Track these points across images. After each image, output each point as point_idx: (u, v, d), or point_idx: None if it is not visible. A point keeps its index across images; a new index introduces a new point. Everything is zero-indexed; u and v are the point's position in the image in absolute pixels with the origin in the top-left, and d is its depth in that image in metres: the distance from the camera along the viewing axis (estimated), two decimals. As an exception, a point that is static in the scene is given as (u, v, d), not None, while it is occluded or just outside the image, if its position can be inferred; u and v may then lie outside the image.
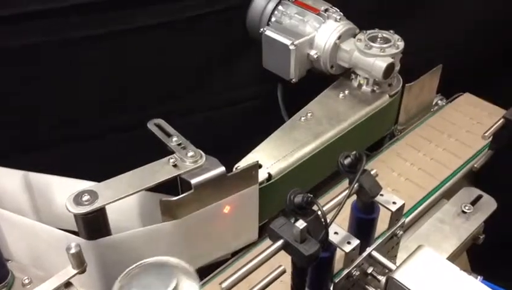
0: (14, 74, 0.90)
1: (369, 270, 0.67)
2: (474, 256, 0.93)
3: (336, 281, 0.63)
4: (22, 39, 0.88)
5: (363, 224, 0.67)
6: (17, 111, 0.94)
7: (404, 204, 0.67)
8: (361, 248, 0.64)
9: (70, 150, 0.99)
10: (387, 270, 0.66)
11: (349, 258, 0.63)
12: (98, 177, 0.69)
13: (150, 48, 0.99)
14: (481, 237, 0.85)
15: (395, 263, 0.68)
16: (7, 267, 0.73)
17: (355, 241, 0.62)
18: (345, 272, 0.63)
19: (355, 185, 0.62)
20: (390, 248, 0.70)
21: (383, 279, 0.65)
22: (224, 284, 0.53)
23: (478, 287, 0.56)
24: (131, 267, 0.55)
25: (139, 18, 0.95)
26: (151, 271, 0.54)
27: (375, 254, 0.65)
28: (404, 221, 0.69)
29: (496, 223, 0.85)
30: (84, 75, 0.96)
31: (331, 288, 0.65)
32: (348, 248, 0.62)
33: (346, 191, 0.62)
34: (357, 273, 0.65)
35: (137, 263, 0.55)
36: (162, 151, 0.71)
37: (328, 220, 0.58)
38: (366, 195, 0.62)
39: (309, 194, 0.57)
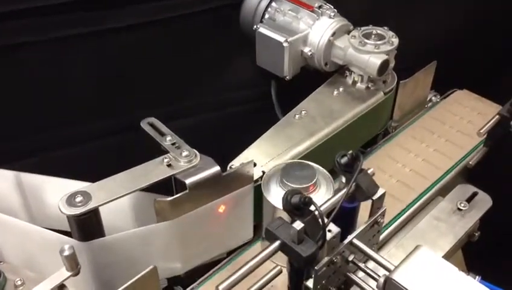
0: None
1: (350, 257, 0.66)
2: (469, 253, 0.93)
3: (317, 268, 0.62)
4: (8, 38, 0.86)
5: (345, 212, 0.66)
6: (3, 114, 0.92)
7: (385, 193, 0.67)
8: (343, 236, 0.64)
9: (59, 153, 0.97)
10: (367, 258, 0.65)
11: (330, 246, 0.62)
12: (89, 179, 0.68)
13: (140, 47, 0.98)
14: (476, 234, 0.85)
15: (375, 251, 0.68)
16: (-1, 268, 0.72)
17: (336, 229, 0.62)
18: (326, 259, 0.62)
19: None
20: (372, 236, 0.70)
21: (380, 278, 0.64)
22: (221, 287, 0.53)
23: (477, 288, 0.56)
24: (277, 165, 0.74)
25: (129, 16, 0.94)
26: (295, 168, 0.72)
27: (356, 241, 0.65)
28: (385, 209, 0.68)
29: (490, 220, 0.85)
30: (72, 76, 0.94)
31: (312, 275, 0.64)
32: (328, 236, 0.61)
33: (343, 190, 0.62)
34: (339, 260, 0.64)
35: (283, 162, 0.74)
36: (154, 153, 0.70)
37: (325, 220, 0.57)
38: (363, 194, 0.62)
39: (306, 195, 0.56)
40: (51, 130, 0.97)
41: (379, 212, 0.67)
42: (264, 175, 0.74)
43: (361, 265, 0.66)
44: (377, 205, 0.67)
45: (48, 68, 0.92)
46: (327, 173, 0.73)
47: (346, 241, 0.64)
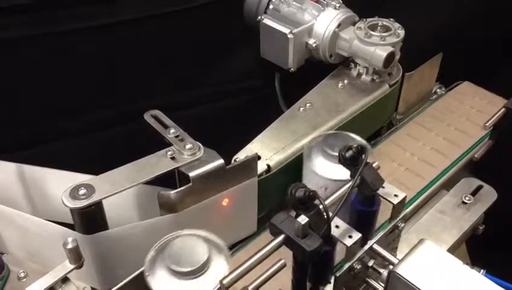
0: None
1: (370, 263, 0.66)
2: (473, 246, 0.92)
3: (338, 274, 0.62)
4: (9, 32, 0.86)
5: (364, 216, 0.66)
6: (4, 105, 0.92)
7: (405, 197, 0.66)
8: (362, 241, 0.63)
9: (58, 146, 0.97)
10: (387, 263, 0.65)
11: (350, 251, 0.62)
12: (91, 171, 0.67)
13: (143, 39, 0.97)
14: (481, 227, 0.85)
15: (395, 255, 0.68)
16: (2, 260, 0.72)
17: (357, 235, 0.61)
18: (347, 265, 0.62)
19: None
20: (392, 240, 0.69)
21: (384, 272, 0.64)
22: (225, 281, 0.52)
23: (481, 281, 0.56)
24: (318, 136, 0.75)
25: (132, 10, 0.94)
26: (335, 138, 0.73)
27: (376, 247, 0.64)
28: (405, 213, 0.68)
29: (495, 213, 0.84)
30: (74, 68, 0.94)
31: (332, 281, 0.64)
32: (349, 242, 0.61)
33: (348, 184, 0.62)
34: (359, 266, 0.64)
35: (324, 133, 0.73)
36: (156, 144, 0.70)
37: (330, 214, 0.57)
38: (368, 188, 0.62)
39: (311, 189, 0.56)
40: (52, 121, 0.97)
41: (399, 217, 0.67)
42: (306, 146, 0.77)
43: (382, 271, 0.65)
44: (397, 209, 0.66)
45: (49, 60, 0.92)
46: (365, 142, 0.74)
47: (366, 246, 0.63)
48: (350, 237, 0.61)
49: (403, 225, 0.68)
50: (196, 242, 0.59)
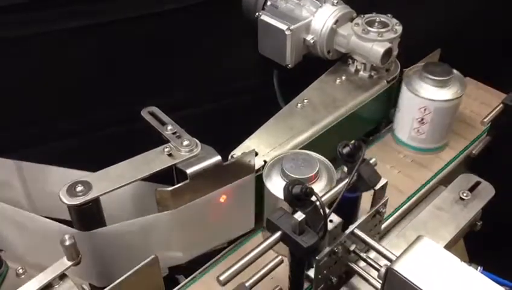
0: None
1: (352, 247, 0.66)
2: (471, 242, 0.92)
3: (319, 258, 0.62)
4: (8, 31, 0.86)
5: (346, 202, 0.66)
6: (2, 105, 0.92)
7: (386, 182, 0.66)
8: (344, 226, 0.64)
9: (57, 145, 0.97)
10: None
11: (331, 236, 0.62)
12: (89, 170, 0.67)
13: (140, 39, 0.97)
14: (479, 223, 0.85)
15: (377, 241, 0.68)
16: (1, 257, 0.72)
17: (338, 220, 0.62)
18: (328, 249, 0.62)
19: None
20: (373, 225, 0.70)
21: (382, 269, 0.64)
22: (222, 277, 0.52)
23: (478, 278, 0.56)
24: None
25: (129, 8, 0.93)
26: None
27: (357, 231, 0.65)
28: (387, 199, 0.68)
29: (493, 210, 0.84)
30: (73, 67, 0.94)
31: (314, 265, 0.64)
32: (330, 226, 0.60)
33: (344, 181, 0.62)
34: (340, 250, 0.64)
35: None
36: (155, 144, 0.70)
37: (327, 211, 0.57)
38: (365, 185, 0.62)
39: (307, 185, 0.56)
40: (51, 121, 0.97)
41: (381, 202, 0.67)
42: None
43: (363, 255, 0.66)
44: (378, 195, 0.66)
45: (48, 60, 0.92)
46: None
47: (347, 231, 0.63)
48: (331, 221, 0.61)
49: (384, 210, 0.69)
50: (308, 157, 0.72)
